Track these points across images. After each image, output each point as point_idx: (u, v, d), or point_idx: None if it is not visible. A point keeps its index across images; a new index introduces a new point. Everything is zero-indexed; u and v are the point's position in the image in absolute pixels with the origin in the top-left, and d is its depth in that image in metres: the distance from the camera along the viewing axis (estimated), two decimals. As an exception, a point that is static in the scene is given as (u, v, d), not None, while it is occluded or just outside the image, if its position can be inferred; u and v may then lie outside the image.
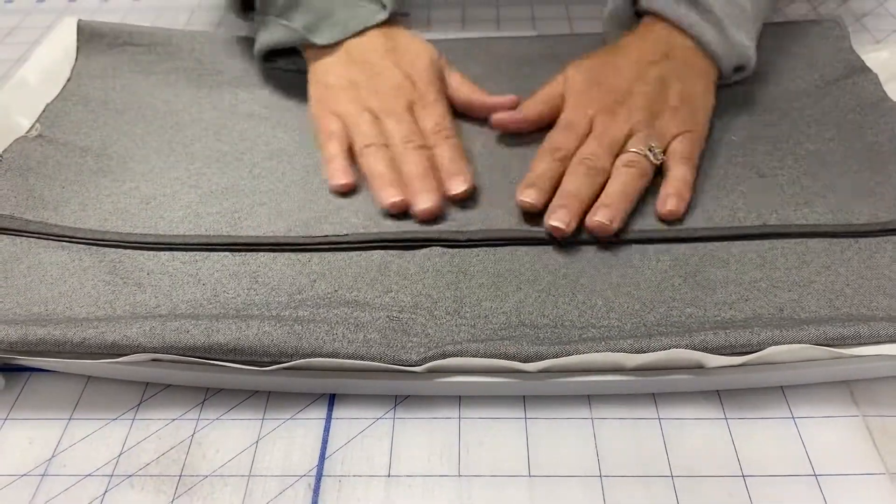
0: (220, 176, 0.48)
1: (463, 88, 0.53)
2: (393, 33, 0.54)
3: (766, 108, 0.52)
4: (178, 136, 0.52)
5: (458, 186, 0.45)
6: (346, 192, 0.47)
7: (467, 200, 0.46)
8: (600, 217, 0.42)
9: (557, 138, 0.47)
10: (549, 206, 0.43)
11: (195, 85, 0.56)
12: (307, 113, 0.53)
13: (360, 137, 0.48)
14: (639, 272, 0.41)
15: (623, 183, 0.44)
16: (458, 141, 0.49)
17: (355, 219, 0.45)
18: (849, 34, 0.58)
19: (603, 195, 0.43)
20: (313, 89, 0.53)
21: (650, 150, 0.45)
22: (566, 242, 0.43)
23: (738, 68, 0.52)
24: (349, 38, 0.53)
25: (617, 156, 0.46)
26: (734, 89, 0.54)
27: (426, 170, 0.46)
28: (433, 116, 0.49)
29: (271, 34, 0.54)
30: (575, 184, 0.44)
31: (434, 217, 0.44)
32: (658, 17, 0.52)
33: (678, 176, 0.45)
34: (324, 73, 0.53)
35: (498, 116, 0.51)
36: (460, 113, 0.53)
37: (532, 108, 0.51)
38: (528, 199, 0.43)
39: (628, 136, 0.46)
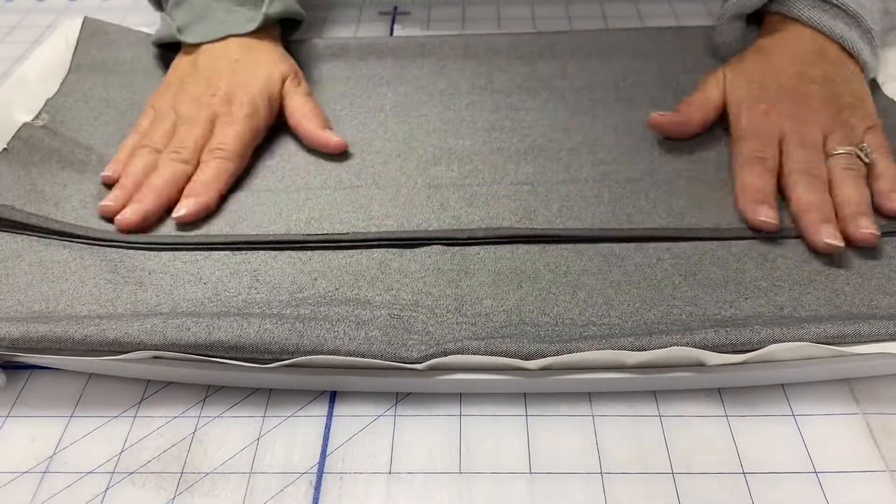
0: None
1: (295, 115, 0.51)
2: (252, 45, 0.54)
3: None
4: None
5: (179, 209, 0.44)
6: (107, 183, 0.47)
7: (470, 199, 0.46)
8: (866, 228, 0.41)
9: (756, 147, 0.46)
10: (804, 222, 0.42)
11: None
12: None
13: (143, 137, 0.49)
14: (640, 270, 0.41)
15: (857, 187, 0.43)
16: (229, 165, 0.47)
17: (355, 218, 0.45)
18: None
19: (850, 204, 0.42)
20: (163, 79, 0.54)
21: (860, 149, 0.44)
22: (565, 240, 0.43)
23: None
24: (210, 41, 0.54)
25: (823, 159, 0.45)
26: None
27: (164, 183, 0.45)
28: (222, 135, 0.48)
29: (159, 29, 0.56)
30: (814, 195, 0.42)
31: (129, 230, 0.44)
32: (796, 21, 0.52)
33: (890, 171, 0.44)
34: (173, 68, 0.54)
35: (656, 118, 0.49)
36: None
37: (693, 112, 0.50)
38: (770, 220, 0.42)
39: (825, 138, 0.45)
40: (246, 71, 0.52)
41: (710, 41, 0.59)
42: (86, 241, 0.43)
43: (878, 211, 0.43)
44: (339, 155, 0.50)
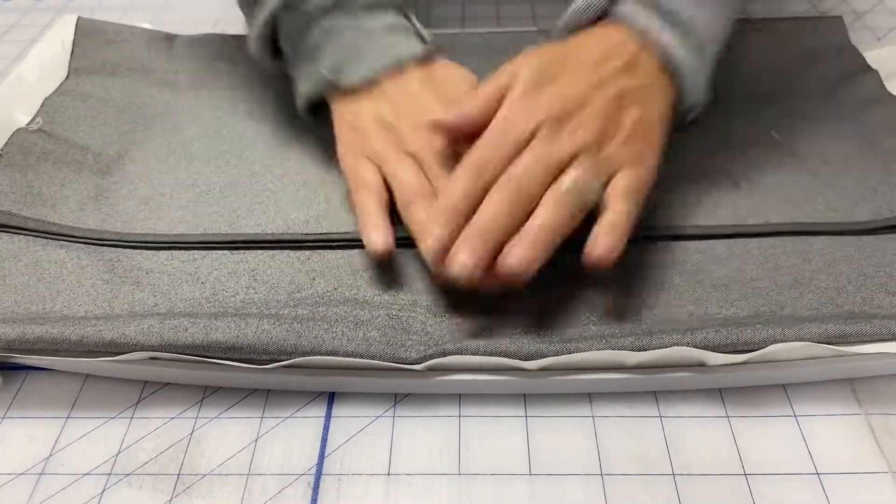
0: (218, 175, 0.48)
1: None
2: (429, 65, 0.47)
3: (766, 105, 0.52)
4: (177, 137, 0.51)
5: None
6: (387, 258, 0.40)
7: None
8: (513, 260, 0.34)
9: (488, 152, 0.38)
10: (456, 242, 0.35)
11: (195, 85, 0.56)
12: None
13: (401, 190, 0.41)
14: (640, 270, 0.40)
15: (552, 217, 0.36)
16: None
17: (353, 217, 0.44)
18: (847, 32, 0.58)
19: (523, 230, 0.35)
20: (339, 133, 0.46)
21: (590, 184, 0.37)
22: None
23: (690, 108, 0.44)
24: (380, 74, 0.45)
25: (552, 178, 0.37)
26: (733, 85, 0.53)
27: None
28: None
29: (304, 84, 0.47)
30: (494, 214, 0.36)
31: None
32: (621, 23, 0.43)
33: (618, 214, 0.37)
34: (351, 114, 0.45)
35: (436, 119, 0.40)
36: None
37: (475, 106, 0.40)
38: (434, 245, 0.36)
39: (572, 158, 0.37)
40: (448, 85, 0.45)
41: None
42: (83, 241, 0.43)
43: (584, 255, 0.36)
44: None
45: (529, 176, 0.36)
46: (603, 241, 0.35)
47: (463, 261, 0.34)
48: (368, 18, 0.46)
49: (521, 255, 0.34)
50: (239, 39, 0.60)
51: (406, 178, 0.41)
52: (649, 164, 0.39)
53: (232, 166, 0.49)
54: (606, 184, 0.38)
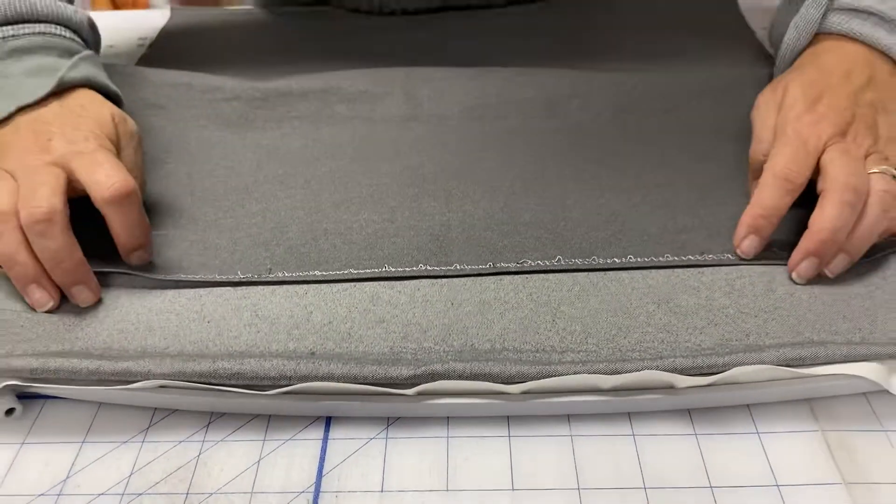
0: (221, 212, 0.51)
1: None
2: (66, 95, 0.49)
3: (730, 141, 0.56)
4: (182, 171, 0.54)
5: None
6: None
7: (449, 234, 0.48)
8: (835, 268, 0.43)
9: (789, 165, 0.45)
10: (798, 249, 0.44)
11: (202, 125, 0.59)
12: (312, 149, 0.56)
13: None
14: (615, 298, 0.44)
15: (877, 220, 0.43)
16: None
17: (346, 253, 0.47)
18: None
19: (854, 240, 0.43)
20: None
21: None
22: (547, 270, 0.45)
23: None
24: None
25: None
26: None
27: None
28: None
29: None
30: (839, 223, 0.43)
31: None
32: (845, 37, 0.51)
33: None
34: None
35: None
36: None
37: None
38: (750, 251, 0.45)
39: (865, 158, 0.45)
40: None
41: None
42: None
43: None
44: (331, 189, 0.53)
45: (854, 174, 0.43)
46: None
47: (807, 269, 0.43)
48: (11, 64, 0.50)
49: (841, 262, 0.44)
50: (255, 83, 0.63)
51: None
52: None
53: (232, 199, 0.52)
54: None
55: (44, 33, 0.52)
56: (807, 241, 0.43)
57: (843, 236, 0.43)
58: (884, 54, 0.50)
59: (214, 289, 0.45)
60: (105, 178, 0.43)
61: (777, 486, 0.36)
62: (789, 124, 0.47)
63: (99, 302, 0.44)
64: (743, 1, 0.76)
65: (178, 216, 0.51)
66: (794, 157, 0.45)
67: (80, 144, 0.45)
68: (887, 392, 0.38)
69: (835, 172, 0.43)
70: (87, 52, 0.53)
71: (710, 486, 0.36)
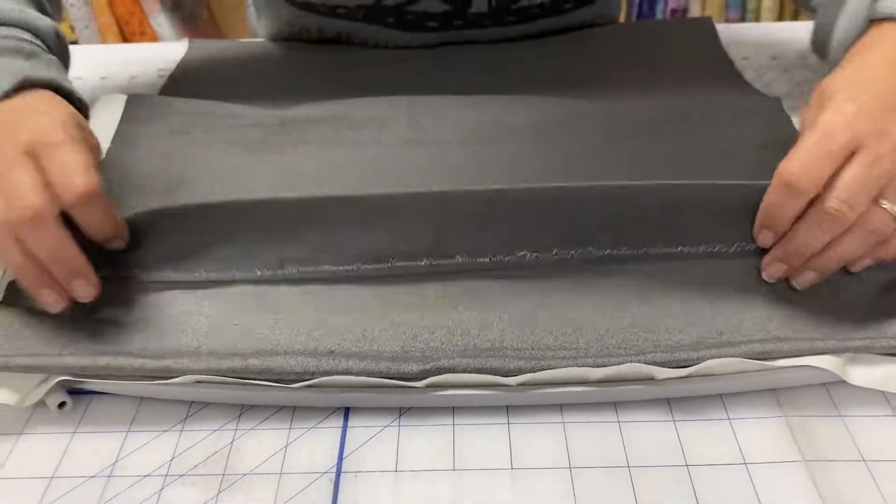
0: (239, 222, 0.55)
1: None
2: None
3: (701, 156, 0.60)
4: (205, 189, 0.59)
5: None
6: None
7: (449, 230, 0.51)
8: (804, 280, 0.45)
9: (797, 166, 0.42)
10: (770, 252, 0.46)
11: (223, 149, 0.64)
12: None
13: None
14: (604, 299, 0.48)
15: (849, 252, 0.44)
16: None
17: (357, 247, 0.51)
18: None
19: (825, 260, 0.45)
20: None
21: None
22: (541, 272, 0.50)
23: None
24: None
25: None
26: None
27: None
28: None
29: None
30: (810, 240, 0.43)
31: None
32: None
33: None
34: None
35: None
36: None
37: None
38: (766, 242, 0.46)
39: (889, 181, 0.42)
40: None
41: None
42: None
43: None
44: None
45: (850, 204, 0.42)
46: None
47: (803, 281, 0.46)
48: None
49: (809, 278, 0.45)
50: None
51: None
52: None
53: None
54: None
55: (6, 37, 0.52)
56: (778, 248, 0.46)
57: (814, 252, 0.44)
58: None
59: (234, 288, 0.49)
60: (68, 180, 0.43)
61: (745, 464, 0.40)
62: (825, 114, 0.42)
63: (133, 304, 0.48)
64: (723, 34, 0.81)
65: (200, 223, 0.55)
66: (808, 154, 0.42)
67: (49, 135, 0.44)
68: (844, 382, 0.42)
69: (841, 184, 0.41)
70: (51, 57, 0.54)
71: (686, 465, 0.41)
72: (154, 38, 1.79)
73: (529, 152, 0.63)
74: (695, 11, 1.89)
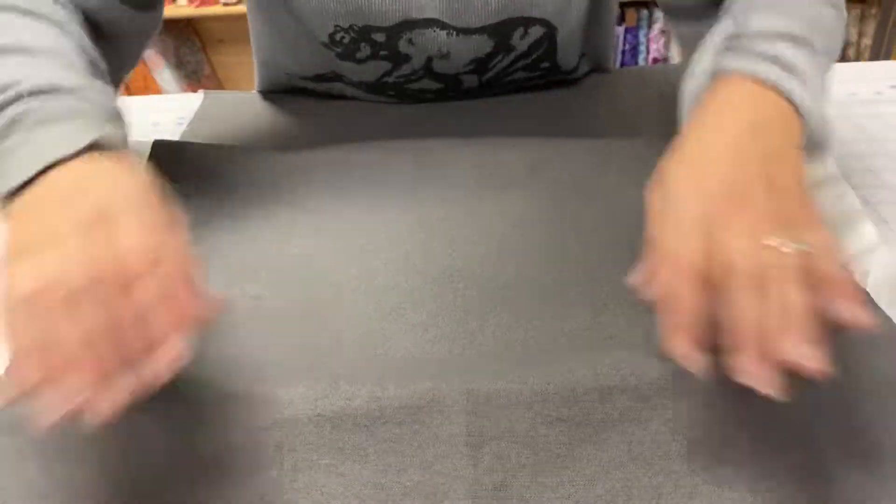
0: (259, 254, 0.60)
1: None
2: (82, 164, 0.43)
3: None
4: (227, 224, 0.64)
5: None
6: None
7: (454, 273, 0.58)
8: (811, 358, 0.35)
9: (672, 246, 0.41)
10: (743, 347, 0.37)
11: (245, 190, 0.69)
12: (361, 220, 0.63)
13: None
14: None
15: (799, 293, 0.37)
16: None
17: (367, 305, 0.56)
18: None
19: (791, 318, 0.37)
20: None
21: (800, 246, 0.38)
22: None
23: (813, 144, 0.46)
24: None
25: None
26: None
27: None
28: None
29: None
30: (749, 311, 0.37)
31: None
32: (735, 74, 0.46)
33: (839, 277, 0.38)
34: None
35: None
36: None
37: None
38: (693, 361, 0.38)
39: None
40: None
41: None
42: None
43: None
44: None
45: (755, 255, 0.39)
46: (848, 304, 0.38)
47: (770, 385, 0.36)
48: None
49: (805, 349, 0.36)
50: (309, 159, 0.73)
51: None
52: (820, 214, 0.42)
53: (276, 278, 0.59)
54: None
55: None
56: (734, 342, 0.37)
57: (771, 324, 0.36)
58: (773, 88, 0.45)
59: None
60: (142, 246, 0.40)
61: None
62: (669, 199, 0.43)
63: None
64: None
65: (222, 253, 0.60)
66: (676, 236, 0.41)
67: (121, 202, 0.41)
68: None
69: (726, 257, 0.38)
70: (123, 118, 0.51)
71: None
72: (159, 92, 1.86)
73: (520, 185, 0.68)
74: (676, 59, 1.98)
